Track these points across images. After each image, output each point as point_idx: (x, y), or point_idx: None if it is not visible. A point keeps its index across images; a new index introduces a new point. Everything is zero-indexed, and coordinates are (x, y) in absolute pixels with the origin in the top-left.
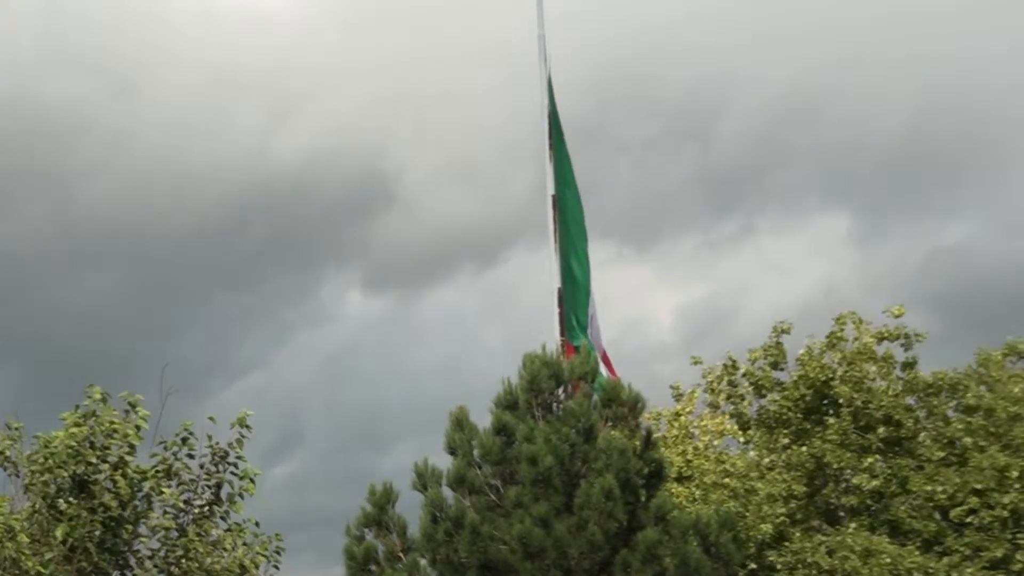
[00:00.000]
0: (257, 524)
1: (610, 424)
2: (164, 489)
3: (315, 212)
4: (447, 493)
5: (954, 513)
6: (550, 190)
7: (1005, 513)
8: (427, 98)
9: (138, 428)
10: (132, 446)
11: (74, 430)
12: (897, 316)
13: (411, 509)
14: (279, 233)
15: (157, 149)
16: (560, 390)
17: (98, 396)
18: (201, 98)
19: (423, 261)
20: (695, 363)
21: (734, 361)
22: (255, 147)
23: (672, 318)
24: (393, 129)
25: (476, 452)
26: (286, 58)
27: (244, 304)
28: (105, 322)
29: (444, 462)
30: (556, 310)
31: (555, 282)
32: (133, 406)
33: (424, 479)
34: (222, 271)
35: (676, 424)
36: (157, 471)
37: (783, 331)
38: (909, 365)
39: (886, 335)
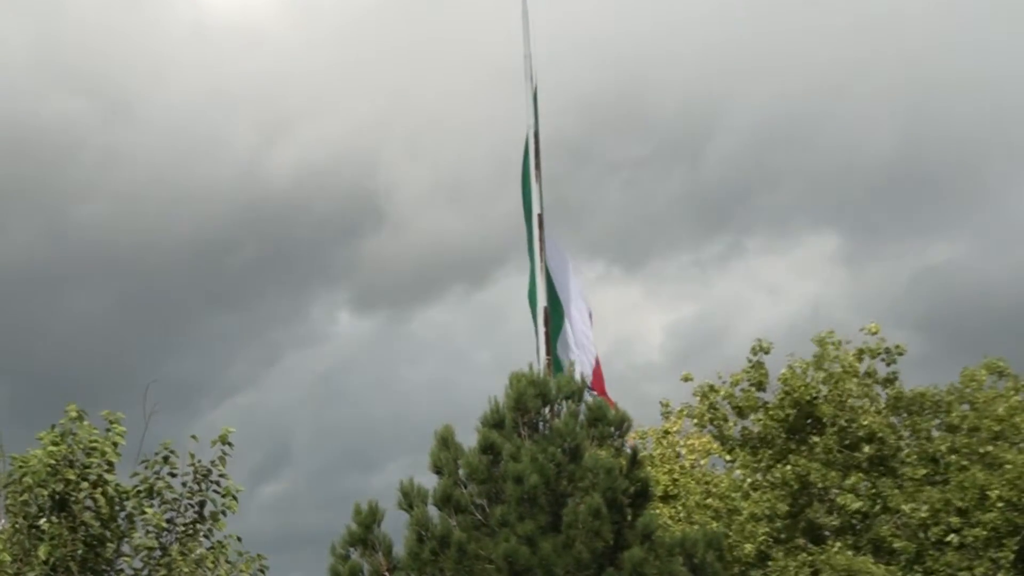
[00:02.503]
0: (239, 540)
1: (596, 443)
2: (147, 509)
3: (305, 231)
4: (433, 512)
5: (933, 532)
6: (536, 209)
7: (985, 533)
8: (417, 118)
9: (115, 445)
10: (111, 463)
11: (52, 448)
12: (873, 333)
13: (397, 528)
14: (269, 252)
15: (149, 168)
16: (546, 409)
17: (74, 414)
18: (194, 118)
19: (413, 281)
20: (685, 380)
21: (712, 385)
22: (246, 167)
23: (662, 337)
24: (383, 149)
25: (462, 471)
26: (278, 78)
27: (234, 323)
28: (95, 341)
29: (431, 481)
30: (542, 329)
31: (541, 301)
32: (113, 423)
33: (410, 498)
34: (212, 290)
35: (663, 443)
36: (139, 490)
37: (763, 350)
38: (890, 381)
39: (866, 351)
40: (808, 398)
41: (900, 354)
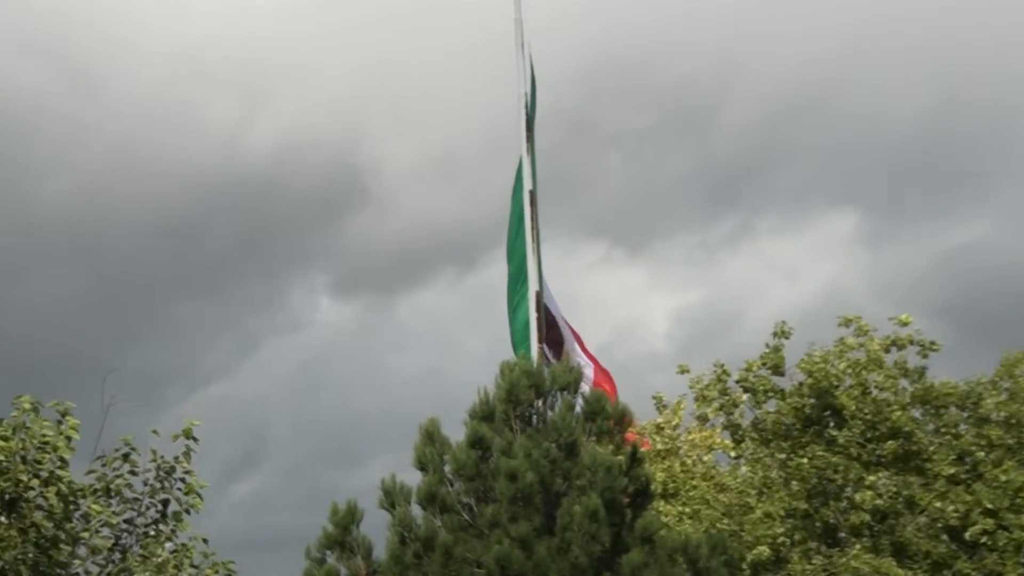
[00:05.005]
0: (205, 541)
1: (594, 439)
2: (94, 506)
3: (285, 210)
4: (417, 512)
5: (970, 532)
6: (527, 185)
7: (1018, 536)
8: (405, 89)
9: (68, 439)
10: (64, 459)
11: (2, 444)
12: (904, 324)
13: (378, 530)
14: (246, 233)
15: (118, 142)
16: (540, 401)
17: (28, 406)
18: (165, 88)
19: (399, 263)
20: (681, 372)
21: (723, 366)
22: (223, 141)
23: (667, 324)
24: (369, 122)
25: (448, 467)
26: (258, 48)
27: (208, 309)
28: (57, 326)
29: (415, 479)
30: (533, 315)
31: (533, 285)
32: (64, 415)
33: (392, 496)
34: (185, 273)
35: (659, 437)
36: (95, 489)
37: (783, 334)
38: (918, 374)
39: (895, 342)
40: (828, 386)
41: (934, 350)
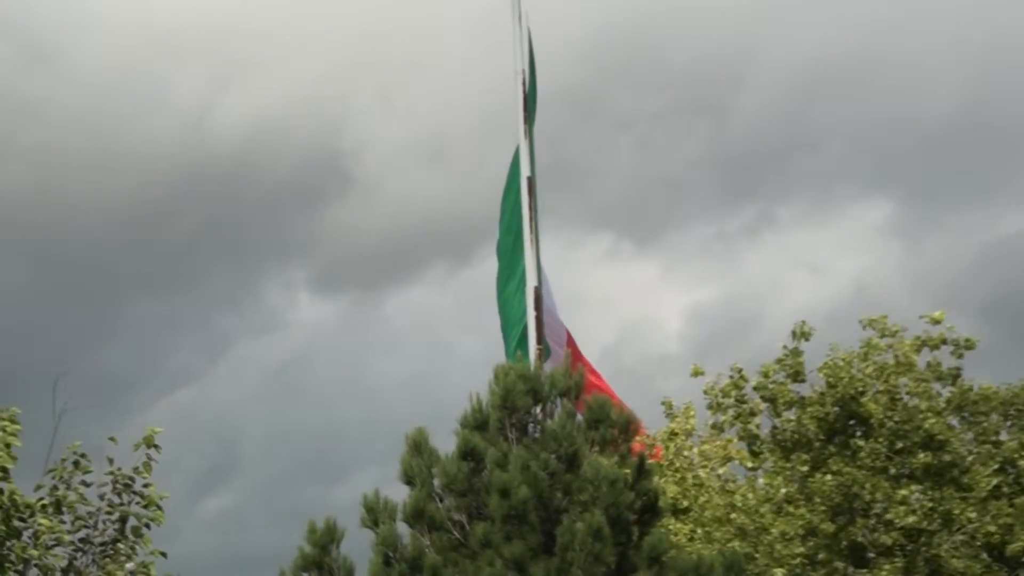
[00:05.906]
0: (164, 555)
1: (597, 449)
2: (43, 521)
3: (259, 198)
4: (403, 530)
5: (1010, 549)
6: (525, 172)
7: None
8: (391, 65)
9: (8, 446)
10: (5, 470)
11: None
12: (936, 323)
13: (362, 550)
14: (216, 223)
15: (74, 124)
16: (538, 408)
17: None
18: (127, 64)
19: (386, 256)
20: (695, 374)
21: (741, 371)
22: (189, 121)
23: (680, 323)
24: (352, 101)
25: (437, 481)
26: (229, 18)
27: (174, 307)
28: (5, 327)
29: (401, 494)
30: (532, 312)
31: (531, 280)
32: (8, 420)
33: (375, 513)
34: (148, 268)
35: (671, 447)
36: (44, 504)
37: (803, 335)
38: (952, 377)
39: (927, 342)
40: (853, 392)
41: (969, 348)
